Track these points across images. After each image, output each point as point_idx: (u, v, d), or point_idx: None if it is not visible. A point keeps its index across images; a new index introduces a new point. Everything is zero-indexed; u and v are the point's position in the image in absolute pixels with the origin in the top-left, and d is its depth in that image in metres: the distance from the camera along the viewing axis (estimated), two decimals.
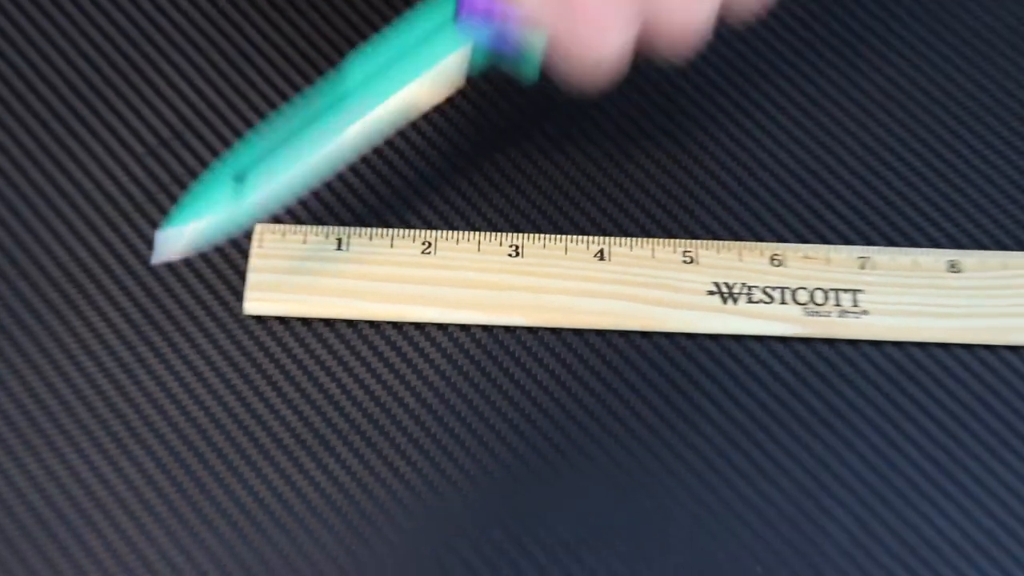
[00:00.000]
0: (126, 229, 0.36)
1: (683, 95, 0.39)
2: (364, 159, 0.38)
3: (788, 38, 0.40)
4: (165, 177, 0.37)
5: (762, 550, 0.33)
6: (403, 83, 0.31)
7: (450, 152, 0.38)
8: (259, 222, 0.36)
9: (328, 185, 0.37)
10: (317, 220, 0.37)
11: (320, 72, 0.39)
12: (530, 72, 0.32)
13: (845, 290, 0.36)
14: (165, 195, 0.37)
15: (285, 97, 0.39)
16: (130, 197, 0.37)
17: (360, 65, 0.32)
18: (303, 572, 0.32)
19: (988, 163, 0.38)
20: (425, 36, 0.32)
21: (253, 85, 0.39)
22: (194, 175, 0.37)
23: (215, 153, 0.38)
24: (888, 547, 0.33)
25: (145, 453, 0.33)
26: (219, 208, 0.31)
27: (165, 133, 0.38)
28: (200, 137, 0.38)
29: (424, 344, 0.35)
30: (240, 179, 0.32)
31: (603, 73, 0.31)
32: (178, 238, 0.31)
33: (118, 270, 0.35)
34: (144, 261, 0.35)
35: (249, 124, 0.38)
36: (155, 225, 0.36)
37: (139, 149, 0.38)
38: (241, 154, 0.31)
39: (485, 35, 0.31)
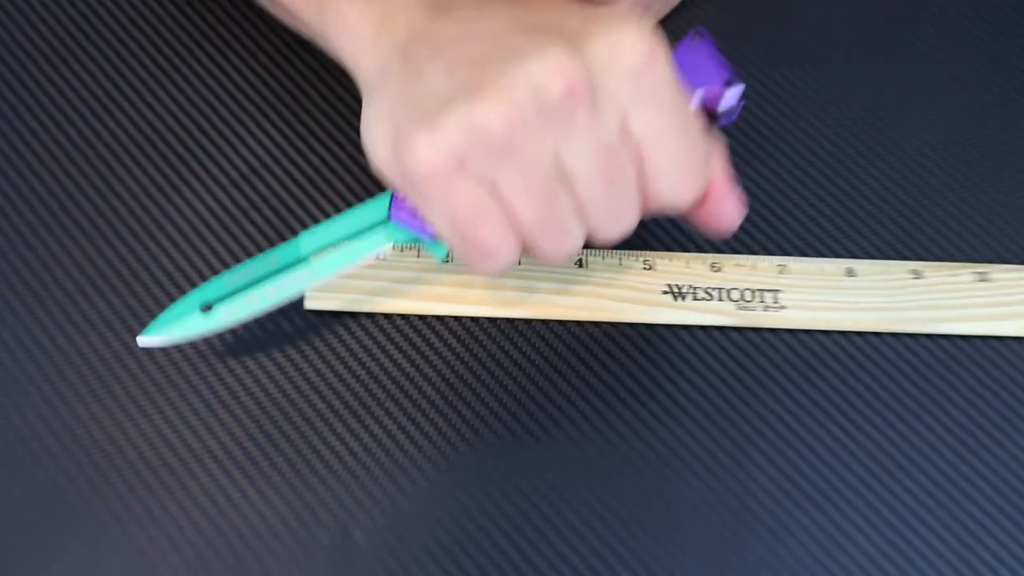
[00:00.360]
0: (215, 244, 0.40)
1: None
2: None
3: None
4: (245, 203, 0.41)
5: (703, 489, 0.36)
6: (341, 264, 0.36)
7: None
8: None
9: None
10: None
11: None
12: (440, 257, 0.36)
13: (768, 290, 0.40)
14: (246, 219, 0.40)
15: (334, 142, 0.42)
16: (217, 218, 0.40)
17: (311, 239, 0.36)
18: (352, 511, 0.36)
19: (876, 194, 0.42)
20: (363, 229, 0.36)
21: (313, 134, 0.42)
22: (268, 203, 0.40)
23: (283, 186, 0.41)
24: (802, 489, 0.36)
25: (230, 417, 0.37)
26: (185, 330, 0.36)
27: (244, 168, 0.42)
28: (272, 173, 0.42)
29: (444, 332, 0.39)
30: (206, 310, 0.36)
31: (495, 273, 0.34)
32: (152, 343, 0.36)
33: (208, 274, 0.39)
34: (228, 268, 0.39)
35: (309, 164, 0.41)
36: (236, 239, 0.40)
37: (224, 181, 0.41)
38: (208, 289, 0.36)
39: (407, 234, 0.35)
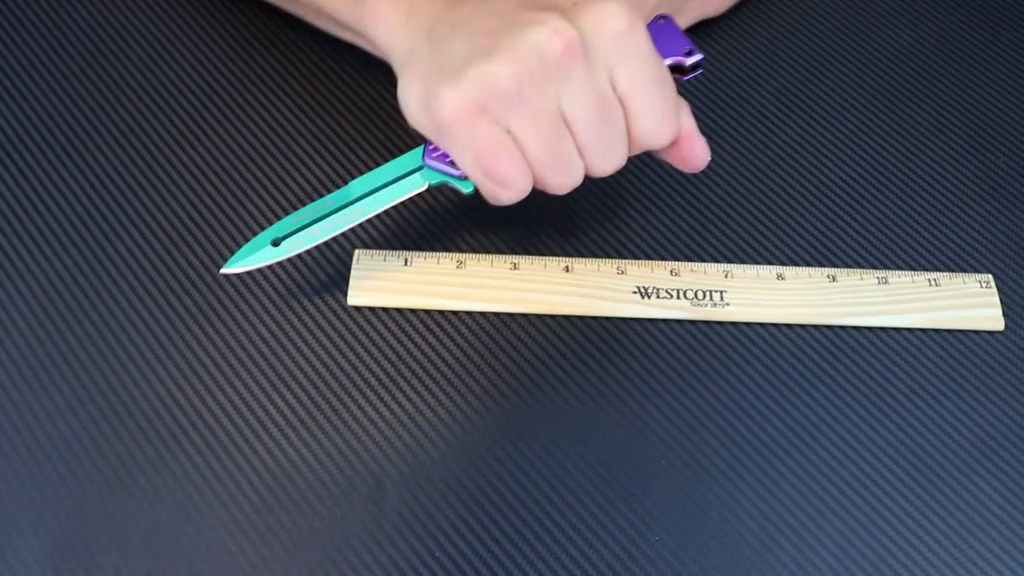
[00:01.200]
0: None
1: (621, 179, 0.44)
2: (422, 208, 0.43)
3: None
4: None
5: (663, 447, 0.38)
6: (386, 201, 0.38)
7: (472, 203, 0.42)
8: (356, 248, 0.42)
9: (399, 224, 0.42)
10: (391, 246, 0.42)
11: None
12: (467, 191, 0.37)
13: (715, 291, 0.42)
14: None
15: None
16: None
17: (360, 185, 0.38)
18: (384, 465, 0.37)
19: (801, 216, 0.44)
20: (402, 174, 0.38)
21: (357, 164, 0.44)
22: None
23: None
24: (740, 447, 0.38)
25: (287, 389, 0.39)
26: (260, 259, 0.38)
27: (299, 193, 0.43)
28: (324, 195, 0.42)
29: (457, 323, 0.41)
30: (276, 243, 0.38)
31: (511, 200, 0.35)
32: (234, 269, 0.38)
33: (267, 272, 0.41)
34: (282, 264, 0.41)
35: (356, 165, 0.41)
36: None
37: (284, 202, 0.43)
38: (278, 227, 0.38)
39: (439, 175, 0.37)
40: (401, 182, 0.37)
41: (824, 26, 0.50)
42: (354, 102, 0.46)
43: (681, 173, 0.44)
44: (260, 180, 0.44)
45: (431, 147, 0.37)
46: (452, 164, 0.36)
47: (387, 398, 0.39)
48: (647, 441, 0.38)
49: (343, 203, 0.37)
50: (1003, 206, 0.45)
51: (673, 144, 0.36)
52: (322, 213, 0.37)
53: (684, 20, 0.46)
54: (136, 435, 0.37)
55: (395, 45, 0.36)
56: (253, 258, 0.37)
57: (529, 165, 0.34)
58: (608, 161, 0.35)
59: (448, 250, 0.41)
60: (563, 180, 0.35)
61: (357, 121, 0.45)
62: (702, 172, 0.44)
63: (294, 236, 0.37)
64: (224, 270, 0.38)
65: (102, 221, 0.42)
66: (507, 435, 0.38)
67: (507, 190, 0.34)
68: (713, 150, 0.45)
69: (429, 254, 0.41)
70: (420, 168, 0.37)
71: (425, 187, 0.37)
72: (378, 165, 0.42)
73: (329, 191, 0.43)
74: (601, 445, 0.38)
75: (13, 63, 0.46)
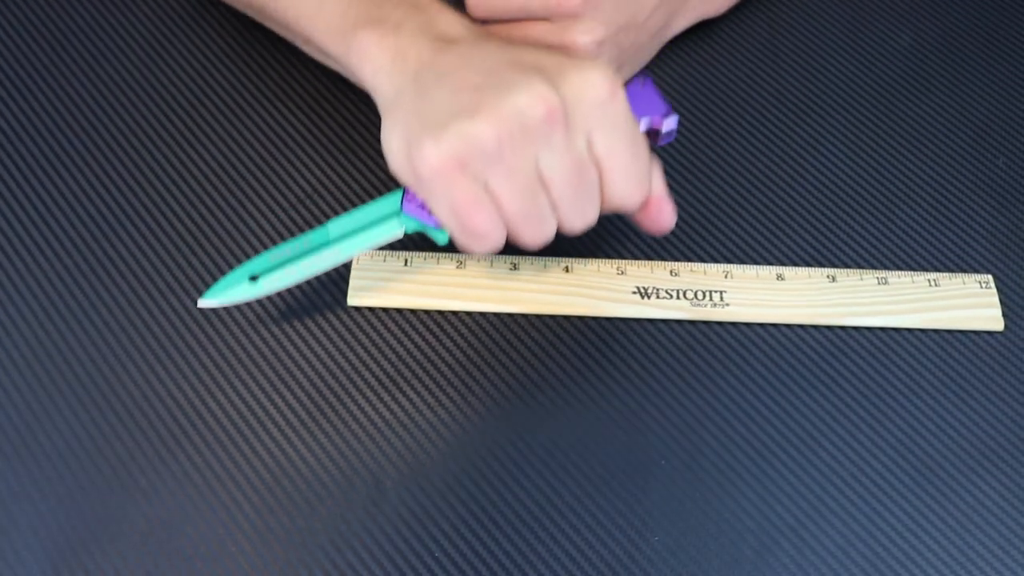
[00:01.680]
0: (276, 239, 0.40)
1: None
2: None
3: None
4: (301, 222, 0.43)
5: (662, 446, 0.38)
6: (362, 245, 0.38)
7: None
8: None
9: None
10: (391, 247, 0.41)
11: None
12: (442, 241, 0.37)
13: (715, 291, 0.42)
14: (306, 226, 0.43)
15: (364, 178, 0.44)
16: (279, 232, 0.43)
17: (337, 226, 0.38)
18: (383, 465, 0.38)
19: (800, 216, 0.44)
20: (380, 218, 0.38)
21: (356, 167, 0.44)
22: (320, 213, 0.43)
23: (333, 210, 0.43)
24: (740, 446, 0.38)
25: (287, 390, 0.39)
26: (236, 294, 0.38)
27: (299, 194, 0.44)
28: (322, 198, 0.44)
29: (457, 324, 0.41)
30: (253, 279, 0.37)
31: (485, 252, 0.36)
32: (210, 304, 0.38)
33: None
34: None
35: (354, 189, 0.44)
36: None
37: (285, 204, 0.43)
38: (255, 263, 0.38)
39: (416, 223, 0.37)
40: (379, 227, 0.37)
41: (824, 26, 0.50)
42: (354, 103, 0.46)
43: (682, 173, 0.44)
44: (260, 180, 0.44)
45: (410, 194, 0.37)
46: (429, 214, 0.36)
47: (387, 398, 0.39)
48: (647, 441, 0.38)
49: (319, 243, 0.37)
50: (1003, 206, 0.45)
51: (643, 207, 0.37)
52: (298, 252, 0.37)
53: (684, 20, 0.46)
54: (136, 435, 0.37)
55: (381, 86, 0.36)
56: (230, 293, 0.37)
57: (504, 220, 0.35)
58: (580, 219, 0.36)
59: (449, 250, 0.41)
60: (536, 235, 0.35)
61: (357, 122, 0.45)
62: (702, 172, 0.45)
63: (271, 274, 0.37)
64: (201, 301, 0.37)
65: (102, 221, 0.42)
66: (507, 435, 0.38)
67: (481, 243, 0.35)
68: (713, 150, 0.46)
69: (429, 254, 0.41)
70: (398, 214, 0.37)
71: (402, 234, 0.37)
72: (376, 166, 0.42)
73: (329, 192, 0.43)
74: (601, 445, 0.38)
75: (13, 63, 0.47)
